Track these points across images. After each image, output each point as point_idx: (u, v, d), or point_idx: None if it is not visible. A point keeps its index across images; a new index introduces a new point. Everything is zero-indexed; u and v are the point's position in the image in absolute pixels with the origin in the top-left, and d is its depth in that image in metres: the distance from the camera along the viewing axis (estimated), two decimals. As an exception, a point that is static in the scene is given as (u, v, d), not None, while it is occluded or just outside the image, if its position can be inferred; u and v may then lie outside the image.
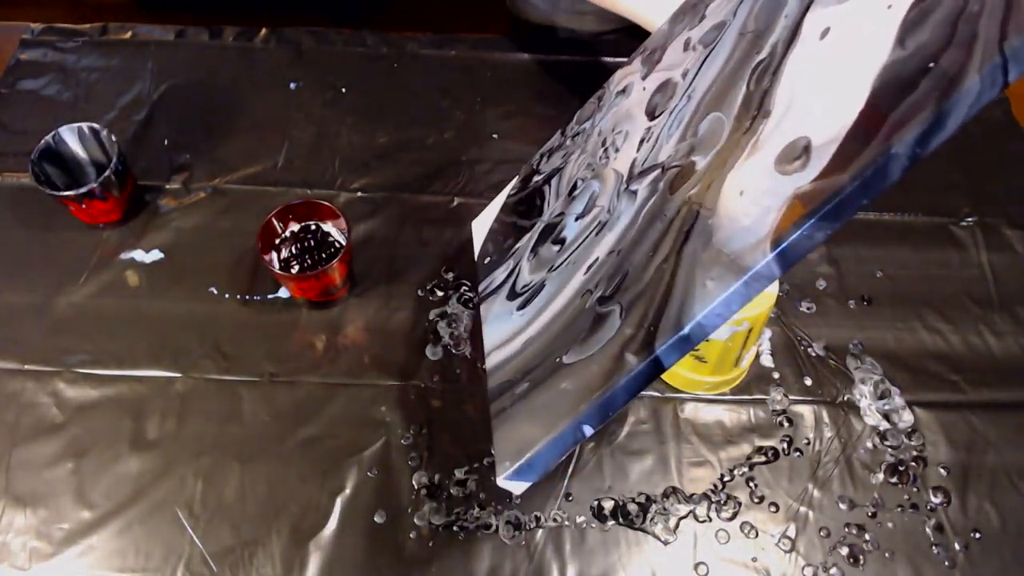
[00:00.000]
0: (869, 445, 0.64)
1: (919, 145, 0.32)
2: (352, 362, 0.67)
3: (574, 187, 0.57)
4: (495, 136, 0.83)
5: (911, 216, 0.77)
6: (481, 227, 0.67)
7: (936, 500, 0.61)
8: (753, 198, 0.39)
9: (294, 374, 0.66)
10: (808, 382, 0.67)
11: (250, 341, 0.68)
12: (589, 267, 0.49)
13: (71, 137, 0.73)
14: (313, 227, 0.70)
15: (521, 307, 0.53)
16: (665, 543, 0.59)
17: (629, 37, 0.78)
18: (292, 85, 0.86)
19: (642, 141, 0.51)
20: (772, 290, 0.57)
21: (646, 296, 0.42)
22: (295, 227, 0.70)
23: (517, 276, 0.56)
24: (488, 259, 0.62)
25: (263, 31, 0.91)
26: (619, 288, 0.44)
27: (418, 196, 0.78)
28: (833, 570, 0.58)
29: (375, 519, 0.60)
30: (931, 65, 0.33)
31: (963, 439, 0.64)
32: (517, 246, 0.59)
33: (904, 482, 0.62)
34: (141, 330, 0.68)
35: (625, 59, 0.62)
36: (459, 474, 0.61)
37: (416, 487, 0.61)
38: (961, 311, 0.71)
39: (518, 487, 0.44)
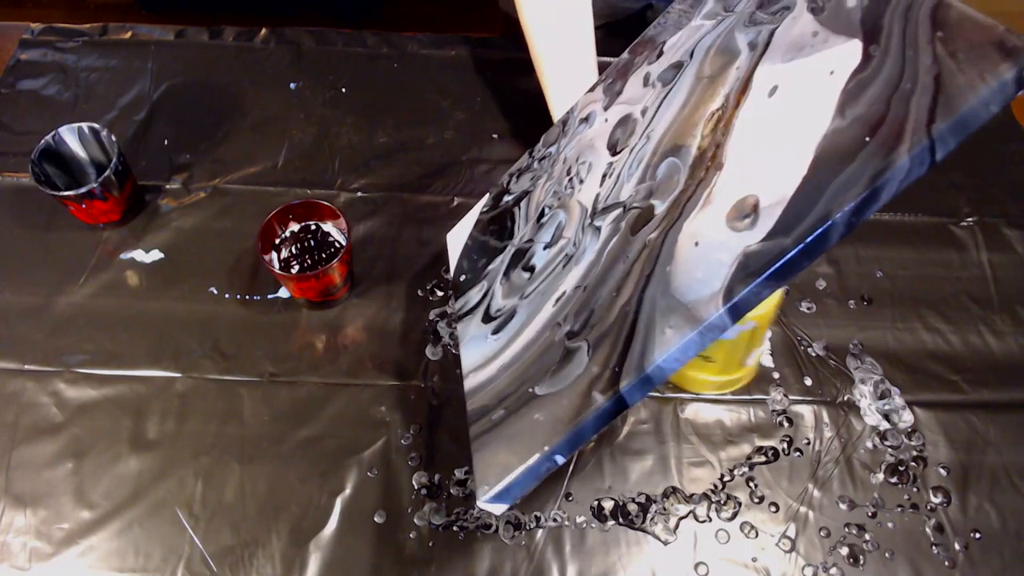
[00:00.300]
0: (869, 445, 0.64)
1: (855, 215, 0.35)
2: (352, 362, 0.67)
3: (542, 214, 0.58)
4: (495, 136, 0.83)
5: (911, 216, 0.77)
6: (456, 240, 0.68)
7: (936, 500, 0.61)
8: (707, 250, 0.41)
9: (294, 374, 0.66)
10: (808, 382, 0.67)
11: (250, 341, 0.68)
12: (557, 299, 0.51)
13: (71, 137, 0.73)
14: (313, 227, 0.70)
15: (495, 331, 0.55)
16: (665, 543, 0.59)
17: (607, 35, 0.78)
18: (292, 85, 0.86)
19: (605, 176, 0.53)
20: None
21: (611, 336, 0.44)
22: (295, 227, 0.70)
23: (491, 299, 0.58)
24: (463, 277, 0.63)
25: (263, 31, 0.91)
26: (586, 325, 0.47)
27: (418, 196, 0.78)
28: (833, 570, 0.58)
29: (375, 519, 0.60)
30: (867, 139, 0.35)
31: (963, 439, 0.64)
32: (490, 267, 0.60)
33: (904, 482, 0.62)
34: (141, 330, 0.68)
35: (607, 57, 0.63)
36: (459, 474, 0.62)
37: (416, 487, 0.61)
38: (961, 311, 0.71)
39: (498, 509, 0.46)
